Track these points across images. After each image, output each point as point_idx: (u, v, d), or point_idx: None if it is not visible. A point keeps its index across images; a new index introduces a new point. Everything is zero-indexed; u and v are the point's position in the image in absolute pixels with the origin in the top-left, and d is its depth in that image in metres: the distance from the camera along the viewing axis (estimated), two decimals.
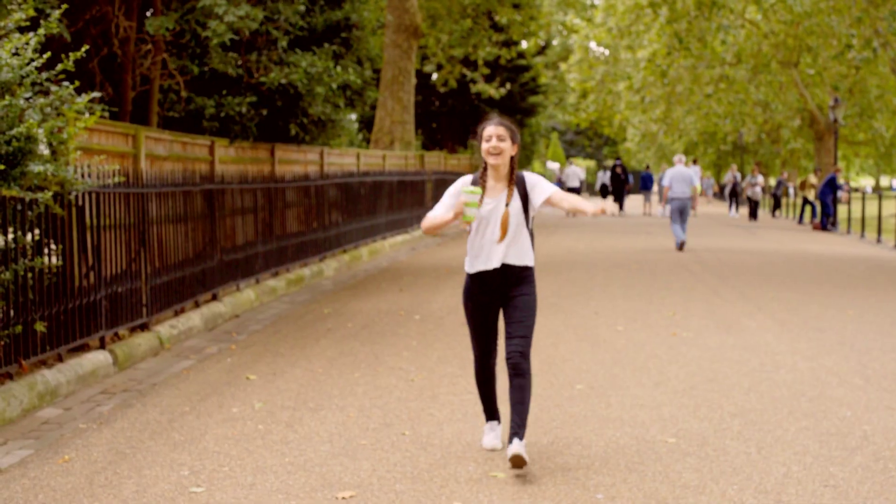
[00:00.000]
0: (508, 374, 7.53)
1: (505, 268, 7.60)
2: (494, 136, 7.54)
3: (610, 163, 56.89)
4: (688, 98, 48.94)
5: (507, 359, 7.51)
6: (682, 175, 26.42)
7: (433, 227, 7.71)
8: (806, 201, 41.33)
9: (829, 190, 36.22)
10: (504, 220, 7.53)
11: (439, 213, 7.67)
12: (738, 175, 50.34)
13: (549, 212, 53.47)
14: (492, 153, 7.53)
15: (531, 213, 7.68)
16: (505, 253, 7.58)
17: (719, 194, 69.97)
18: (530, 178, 7.71)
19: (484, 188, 7.63)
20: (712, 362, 11.26)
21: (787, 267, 22.34)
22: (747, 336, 13.11)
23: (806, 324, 14.11)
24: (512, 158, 7.68)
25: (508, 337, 7.57)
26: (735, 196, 49.63)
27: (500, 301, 7.72)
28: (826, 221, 36.78)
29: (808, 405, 9.46)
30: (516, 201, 7.60)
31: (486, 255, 7.60)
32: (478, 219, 7.55)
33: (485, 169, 7.72)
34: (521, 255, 7.64)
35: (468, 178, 7.77)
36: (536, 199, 7.63)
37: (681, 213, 26.25)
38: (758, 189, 44.05)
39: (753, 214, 44.04)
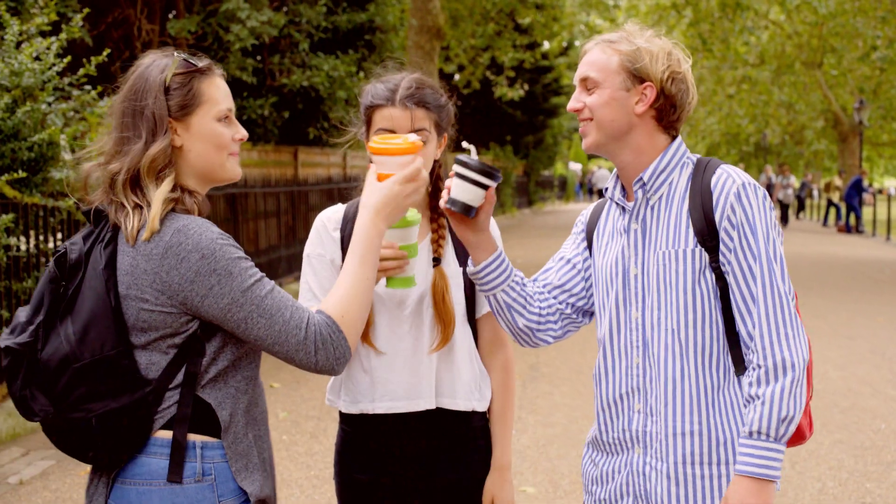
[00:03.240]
0: None
1: (439, 415, 3.59)
2: (401, 122, 3.49)
3: None
4: (710, 99, 48.76)
5: None
6: None
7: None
8: (830, 203, 41.06)
9: (855, 192, 35.99)
10: (440, 294, 3.56)
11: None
12: (774, 176, 46.79)
13: (575, 206, 53.22)
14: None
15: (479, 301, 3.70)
16: (438, 378, 3.59)
17: None
18: None
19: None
20: None
21: (813, 271, 22.16)
22: None
23: (835, 331, 13.94)
24: (436, 165, 3.69)
25: None
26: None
27: (414, 493, 3.64)
28: (851, 224, 36.56)
29: (841, 417, 9.31)
30: (454, 262, 3.66)
31: (400, 380, 3.55)
32: (380, 299, 3.57)
33: None
34: (466, 383, 3.63)
35: (337, 209, 3.73)
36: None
37: None
38: (789, 191, 42.34)
39: (783, 219, 41.95)
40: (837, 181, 40.70)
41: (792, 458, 8.07)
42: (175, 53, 2.91)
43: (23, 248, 9.36)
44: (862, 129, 39.82)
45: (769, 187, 44.34)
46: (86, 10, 11.27)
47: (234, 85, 18.28)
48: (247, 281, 2.74)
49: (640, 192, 3.27)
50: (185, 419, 2.80)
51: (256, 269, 2.79)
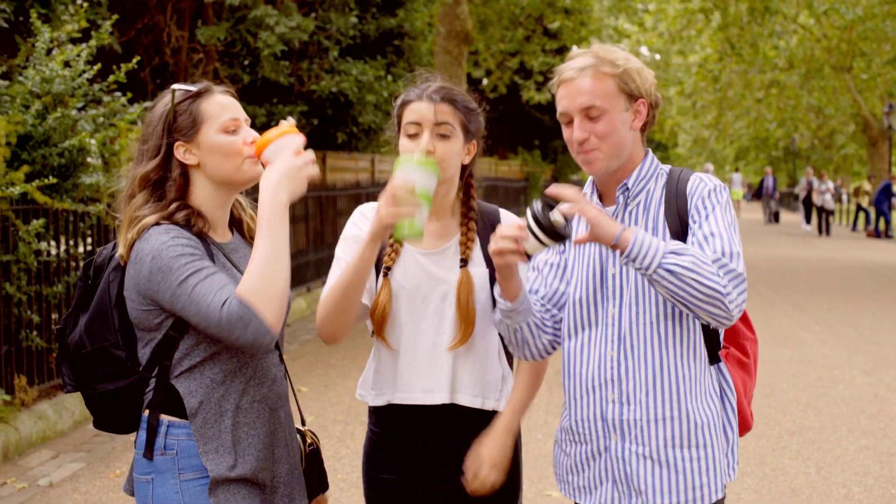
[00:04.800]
0: None
1: (456, 412, 3.65)
2: (428, 126, 3.59)
3: None
4: (739, 103, 48.61)
5: None
6: None
7: (337, 307, 3.50)
8: (860, 208, 40.86)
9: (885, 197, 35.82)
10: (465, 295, 3.60)
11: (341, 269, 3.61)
12: (815, 181, 43.08)
13: None
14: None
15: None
16: (454, 374, 3.63)
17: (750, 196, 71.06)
18: (509, 217, 3.85)
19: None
20: (769, 376, 11.08)
21: (841, 276, 22.09)
22: (804, 349, 12.93)
23: (862, 336, 13.91)
24: (467, 172, 3.78)
25: None
26: (810, 205, 42.53)
27: (439, 494, 3.72)
28: (881, 229, 36.40)
29: (867, 423, 9.30)
30: (480, 264, 3.69)
31: (418, 373, 3.63)
32: (404, 292, 3.65)
33: None
34: (487, 382, 3.69)
35: (369, 206, 3.79)
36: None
37: None
38: (828, 196, 39.01)
39: (824, 228, 38.85)
40: (867, 186, 40.58)
41: (818, 463, 8.08)
42: (174, 87, 3.35)
43: (53, 252, 9.44)
44: (891, 134, 39.65)
45: (809, 192, 42.17)
46: (115, 17, 11.35)
47: (265, 90, 18.36)
48: (182, 275, 3.10)
49: (621, 198, 3.41)
50: (158, 404, 3.27)
51: (197, 263, 3.13)
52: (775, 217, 47.54)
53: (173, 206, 3.27)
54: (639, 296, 3.34)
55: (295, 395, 3.59)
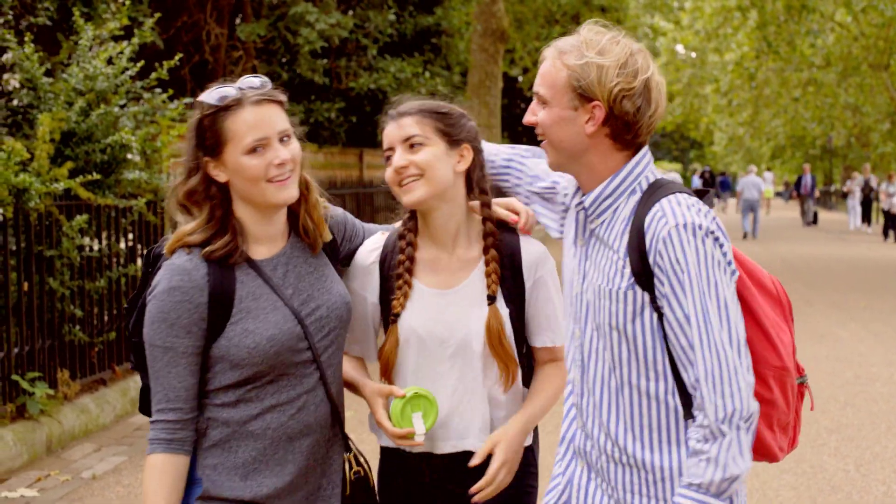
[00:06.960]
0: None
1: (467, 455, 3.35)
2: (397, 143, 3.33)
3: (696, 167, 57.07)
4: (775, 101, 48.44)
5: None
6: (752, 182, 34.03)
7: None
8: None
9: None
10: (496, 337, 3.30)
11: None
12: (873, 178, 40.21)
13: None
14: (399, 183, 3.31)
15: (534, 334, 3.46)
16: (471, 420, 3.37)
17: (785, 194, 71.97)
18: (531, 250, 3.43)
19: (410, 271, 3.39)
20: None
21: (878, 275, 22.01)
22: (840, 347, 12.90)
23: None
24: (475, 185, 3.41)
25: None
26: (867, 206, 40.41)
27: None
28: None
29: None
30: (501, 301, 3.37)
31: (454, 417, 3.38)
32: (415, 338, 3.33)
33: (410, 219, 3.46)
34: (497, 419, 3.41)
35: (375, 241, 3.51)
36: (537, 320, 3.46)
37: (750, 210, 33.96)
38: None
39: (888, 231, 35.55)
40: None
41: (857, 460, 8.08)
42: (201, 98, 3.17)
43: (95, 248, 9.53)
44: None
45: (868, 192, 39.88)
46: (157, 15, 11.44)
47: (303, 87, 18.45)
48: (157, 343, 3.11)
49: (581, 215, 3.02)
50: None
51: (171, 340, 3.10)
52: (814, 218, 44.97)
53: (210, 227, 3.16)
54: (598, 332, 2.96)
55: (342, 423, 3.37)
